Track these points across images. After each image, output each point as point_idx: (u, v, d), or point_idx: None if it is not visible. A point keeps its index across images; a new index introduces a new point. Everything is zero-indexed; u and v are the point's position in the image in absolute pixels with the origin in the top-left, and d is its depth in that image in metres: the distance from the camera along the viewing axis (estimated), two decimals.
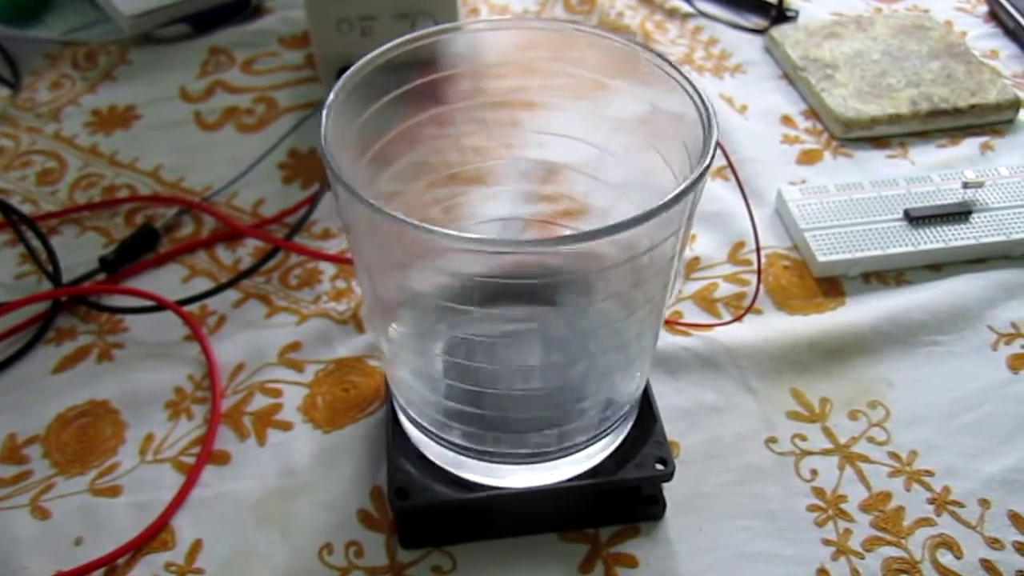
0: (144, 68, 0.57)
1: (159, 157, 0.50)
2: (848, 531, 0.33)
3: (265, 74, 0.56)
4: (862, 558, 0.32)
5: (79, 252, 0.44)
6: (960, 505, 0.33)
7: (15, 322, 0.40)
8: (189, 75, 0.56)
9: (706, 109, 0.25)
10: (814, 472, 0.34)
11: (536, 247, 0.23)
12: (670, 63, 0.27)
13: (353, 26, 0.50)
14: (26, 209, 0.46)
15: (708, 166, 0.24)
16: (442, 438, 0.31)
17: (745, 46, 0.57)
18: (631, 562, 0.32)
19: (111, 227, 0.46)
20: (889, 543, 0.32)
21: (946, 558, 0.32)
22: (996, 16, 0.59)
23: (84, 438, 0.36)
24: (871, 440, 0.35)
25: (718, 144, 0.25)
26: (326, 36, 0.51)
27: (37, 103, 0.54)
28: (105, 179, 0.48)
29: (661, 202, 0.23)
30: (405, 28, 0.49)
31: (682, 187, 0.23)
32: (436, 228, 0.22)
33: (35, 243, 0.43)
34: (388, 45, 0.28)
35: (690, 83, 0.26)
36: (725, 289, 0.41)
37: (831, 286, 0.41)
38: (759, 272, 0.40)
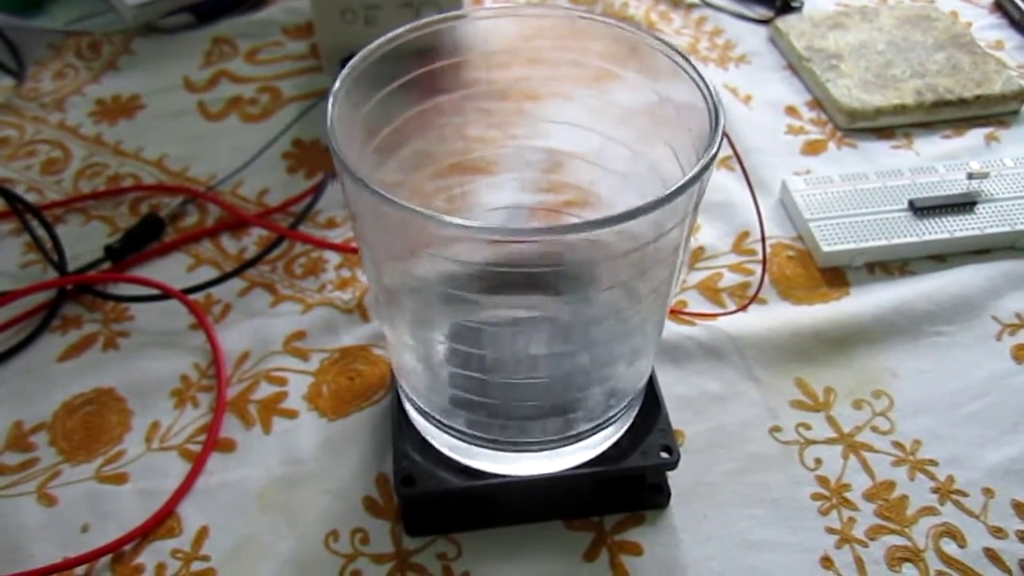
0: (148, 58, 0.57)
1: (163, 147, 0.50)
2: (852, 520, 0.33)
3: (269, 64, 0.56)
4: (866, 546, 0.32)
5: (84, 241, 0.44)
6: (964, 494, 0.33)
7: (21, 311, 0.40)
8: (193, 65, 0.56)
9: (713, 99, 0.25)
10: (818, 461, 0.35)
11: (540, 235, 0.23)
12: (678, 52, 0.27)
13: (357, 15, 0.50)
14: (31, 198, 0.46)
15: (715, 156, 0.24)
16: (447, 426, 0.31)
17: (750, 36, 0.57)
18: (636, 550, 0.32)
19: (116, 216, 0.46)
20: (893, 532, 0.32)
21: (950, 547, 0.32)
22: (1001, 7, 0.58)
23: (90, 426, 0.36)
24: (875, 429, 0.36)
25: (724, 134, 0.25)
26: (330, 25, 0.51)
27: (41, 93, 0.54)
28: (110, 168, 0.48)
29: (667, 192, 0.23)
30: (409, 17, 0.49)
31: (688, 177, 0.23)
32: (441, 216, 0.22)
33: (40, 232, 0.43)
34: (393, 33, 0.28)
35: (697, 73, 0.26)
36: (730, 279, 0.41)
37: (835, 276, 0.41)
38: (764, 262, 0.40)
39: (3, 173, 0.48)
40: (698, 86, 0.26)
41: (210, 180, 0.47)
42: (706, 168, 0.24)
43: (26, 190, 0.47)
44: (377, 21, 0.50)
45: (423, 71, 0.29)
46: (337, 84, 0.26)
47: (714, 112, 0.25)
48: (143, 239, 0.43)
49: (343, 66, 0.27)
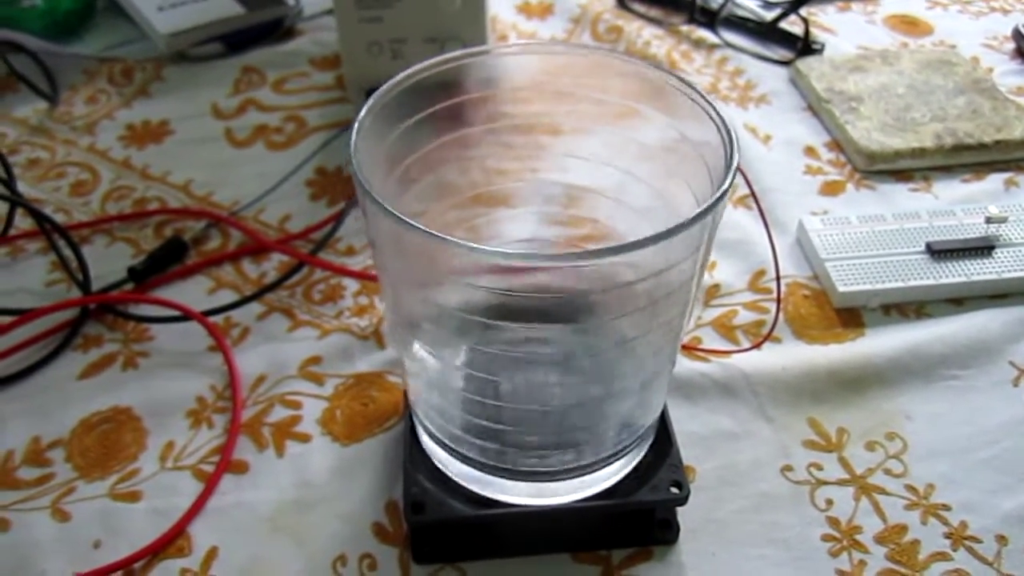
0: (178, 85, 0.58)
1: (190, 171, 0.51)
2: (862, 563, 0.32)
3: (295, 94, 0.57)
4: None
5: (109, 262, 0.44)
6: (977, 540, 0.33)
7: (44, 328, 0.41)
8: (221, 93, 0.57)
9: (728, 134, 0.26)
10: (829, 502, 0.34)
11: (554, 261, 0.24)
12: (696, 90, 0.27)
13: (383, 49, 0.51)
14: (59, 219, 0.47)
15: (727, 190, 0.24)
16: (460, 453, 0.31)
17: (770, 77, 0.58)
18: None
19: (140, 238, 0.46)
20: None
21: None
22: (1023, 53, 0.59)
23: (106, 443, 0.37)
24: (888, 472, 0.35)
25: (739, 171, 0.25)
26: (356, 58, 0.52)
27: (74, 116, 0.55)
28: (136, 192, 0.49)
29: (679, 222, 0.23)
30: (434, 51, 0.50)
31: (700, 209, 0.23)
32: (458, 240, 0.23)
33: (66, 252, 0.44)
34: (418, 67, 0.29)
35: (714, 109, 0.27)
36: (744, 316, 0.42)
37: (851, 317, 0.41)
38: (779, 300, 0.40)
39: (33, 193, 0.49)
40: (715, 123, 0.26)
41: (234, 205, 0.48)
42: (715, 204, 0.24)
43: (54, 210, 0.48)
44: (403, 55, 0.51)
45: (447, 104, 0.30)
46: (363, 112, 0.27)
47: (729, 149, 0.25)
48: (166, 261, 0.44)
49: (368, 97, 0.28)
